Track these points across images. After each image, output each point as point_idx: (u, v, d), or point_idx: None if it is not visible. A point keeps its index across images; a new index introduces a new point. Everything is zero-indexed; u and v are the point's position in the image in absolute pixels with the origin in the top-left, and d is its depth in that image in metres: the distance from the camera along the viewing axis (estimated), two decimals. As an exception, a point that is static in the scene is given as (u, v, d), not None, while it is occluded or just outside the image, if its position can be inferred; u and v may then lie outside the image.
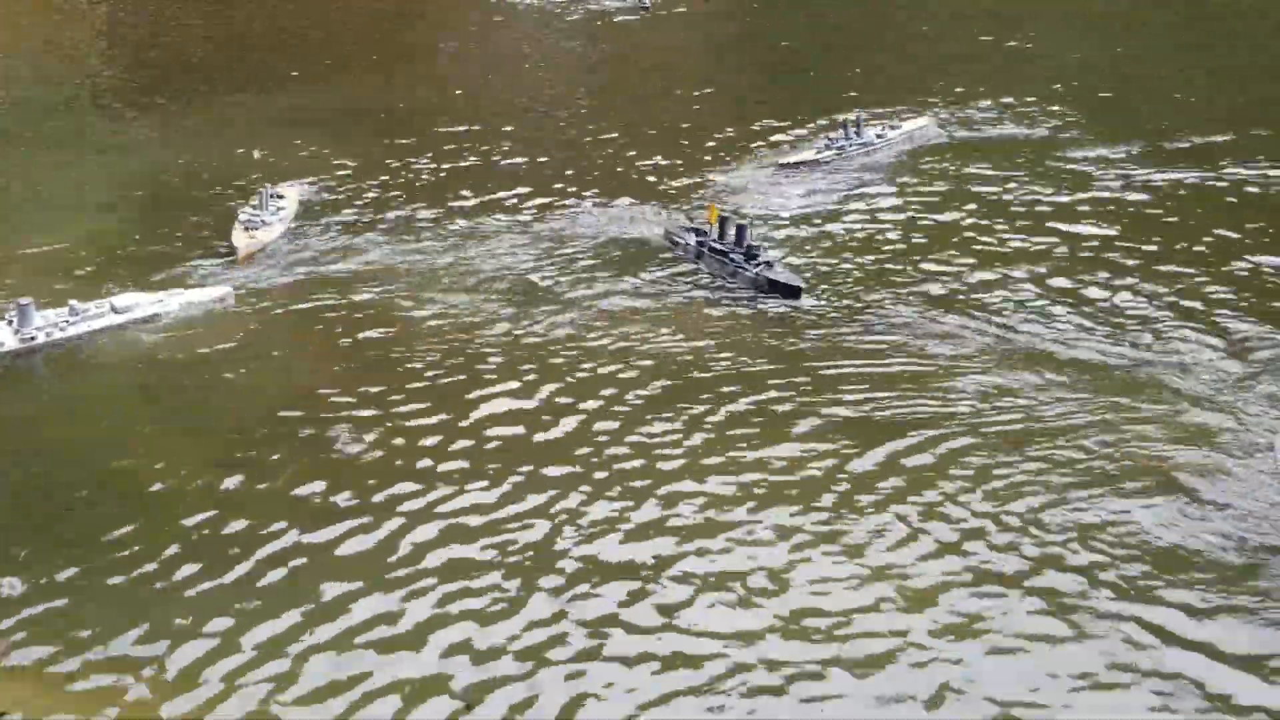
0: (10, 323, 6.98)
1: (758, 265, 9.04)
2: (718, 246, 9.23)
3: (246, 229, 8.44)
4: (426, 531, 5.91)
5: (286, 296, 7.85)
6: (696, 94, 12.89)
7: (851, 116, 12.72)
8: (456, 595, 5.68)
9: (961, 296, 10.27)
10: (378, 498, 6.22)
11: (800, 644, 5.99)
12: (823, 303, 8.95)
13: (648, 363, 8.28)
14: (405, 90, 12.88)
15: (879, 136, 12.27)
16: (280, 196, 9.11)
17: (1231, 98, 18.31)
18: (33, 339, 7.19)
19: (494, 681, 5.26)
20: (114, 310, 7.36)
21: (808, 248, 10.16)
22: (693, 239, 9.61)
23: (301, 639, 5.21)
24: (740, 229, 9.11)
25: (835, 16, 17.87)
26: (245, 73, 14.35)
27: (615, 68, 13.99)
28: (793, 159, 11.99)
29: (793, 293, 8.83)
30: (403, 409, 6.92)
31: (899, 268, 10.42)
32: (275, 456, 6.14)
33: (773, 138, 12.31)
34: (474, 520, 6.01)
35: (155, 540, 5.52)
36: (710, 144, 11.72)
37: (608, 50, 14.80)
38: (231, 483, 5.95)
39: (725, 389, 8.33)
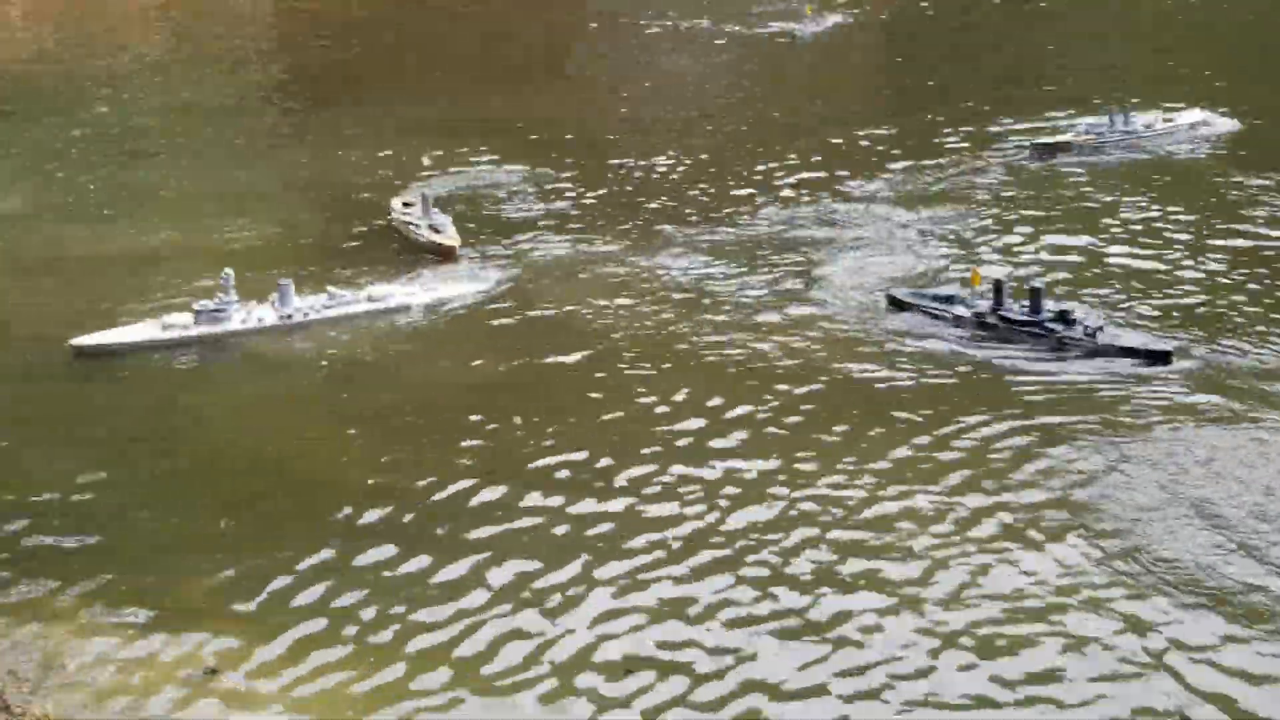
0: (273, 303, 7.57)
1: (1087, 331, 7.51)
2: (1015, 317, 7.64)
3: (434, 228, 8.69)
4: (609, 522, 6.04)
5: (510, 296, 8.09)
6: (904, 90, 12.29)
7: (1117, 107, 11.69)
8: (642, 572, 5.97)
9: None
10: (600, 481, 6.34)
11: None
12: (1197, 361, 7.45)
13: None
14: (564, 103, 12.97)
15: (1147, 127, 11.32)
16: (424, 200, 9.29)
17: None
18: (289, 317, 7.78)
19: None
20: (369, 299, 7.88)
21: (1108, 288, 8.52)
22: (960, 309, 7.87)
23: (499, 614, 5.43)
24: (1036, 291, 7.72)
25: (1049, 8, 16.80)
26: (402, 82, 14.65)
27: (799, 79, 13.45)
28: (1047, 140, 11.36)
29: (1161, 358, 7.36)
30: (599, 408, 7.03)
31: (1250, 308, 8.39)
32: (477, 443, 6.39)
33: (1020, 125, 11.51)
34: (656, 510, 6.14)
35: (345, 511, 5.87)
36: (943, 137, 11.44)
37: (786, 65, 14.27)
38: (468, 457, 6.29)
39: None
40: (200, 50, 16.63)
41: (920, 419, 6.79)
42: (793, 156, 10.96)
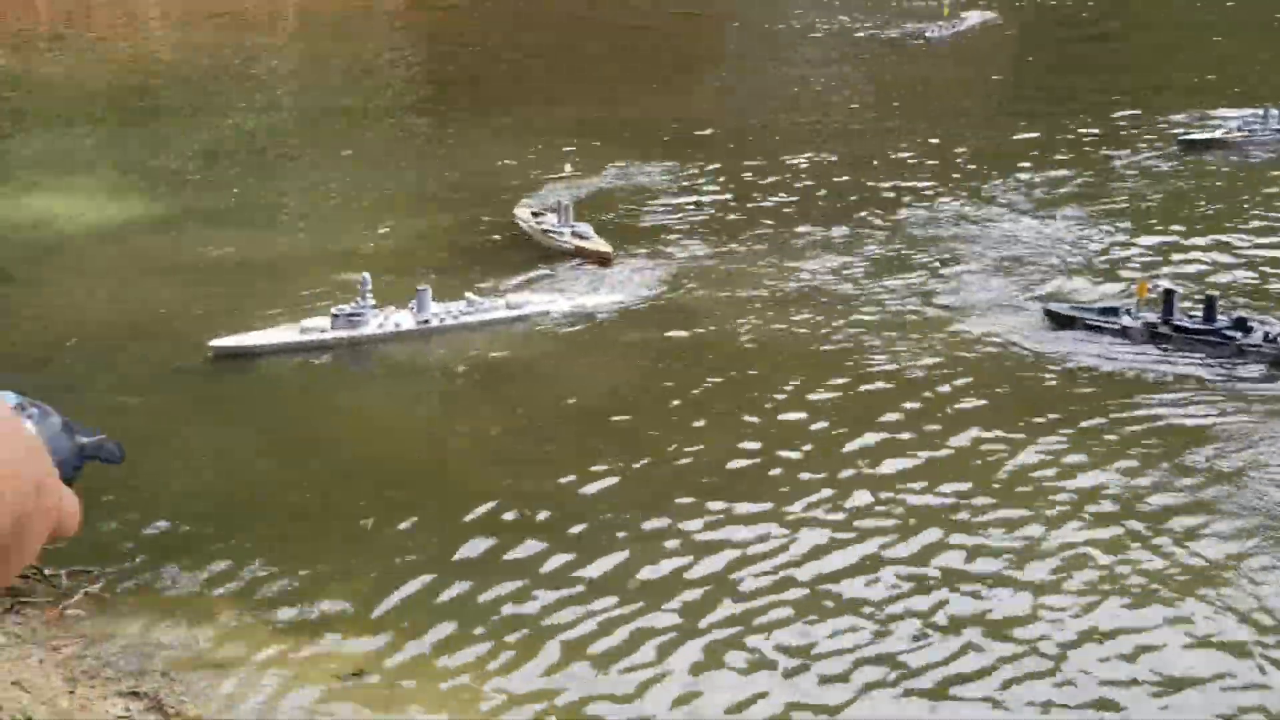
0: (411, 309, 7.65)
1: (1269, 338, 7.22)
2: (1191, 326, 7.35)
3: (578, 235, 8.56)
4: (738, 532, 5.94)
5: (648, 302, 8.06)
6: (1030, 94, 12.02)
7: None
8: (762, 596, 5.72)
9: None
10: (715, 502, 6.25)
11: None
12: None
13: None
14: (699, 106, 12.97)
15: None
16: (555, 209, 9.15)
17: None
18: (427, 323, 7.85)
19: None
20: (508, 306, 7.90)
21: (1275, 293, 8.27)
22: (1127, 320, 7.52)
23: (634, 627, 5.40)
24: (1210, 300, 7.49)
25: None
26: (533, 87, 14.74)
27: (934, 80, 13.30)
28: (1196, 136, 11.12)
29: None
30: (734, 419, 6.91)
31: None
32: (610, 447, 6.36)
33: (1174, 116, 11.13)
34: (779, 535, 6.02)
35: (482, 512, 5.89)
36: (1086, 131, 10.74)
37: (910, 68, 13.99)
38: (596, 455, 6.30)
39: None
40: (332, 58, 16.86)
41: (1099, 430, 6.60)
42: (931, 160, 10.83)
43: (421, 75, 15.56)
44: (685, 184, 10.06)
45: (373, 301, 7.84)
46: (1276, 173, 9.69)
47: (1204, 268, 8.20)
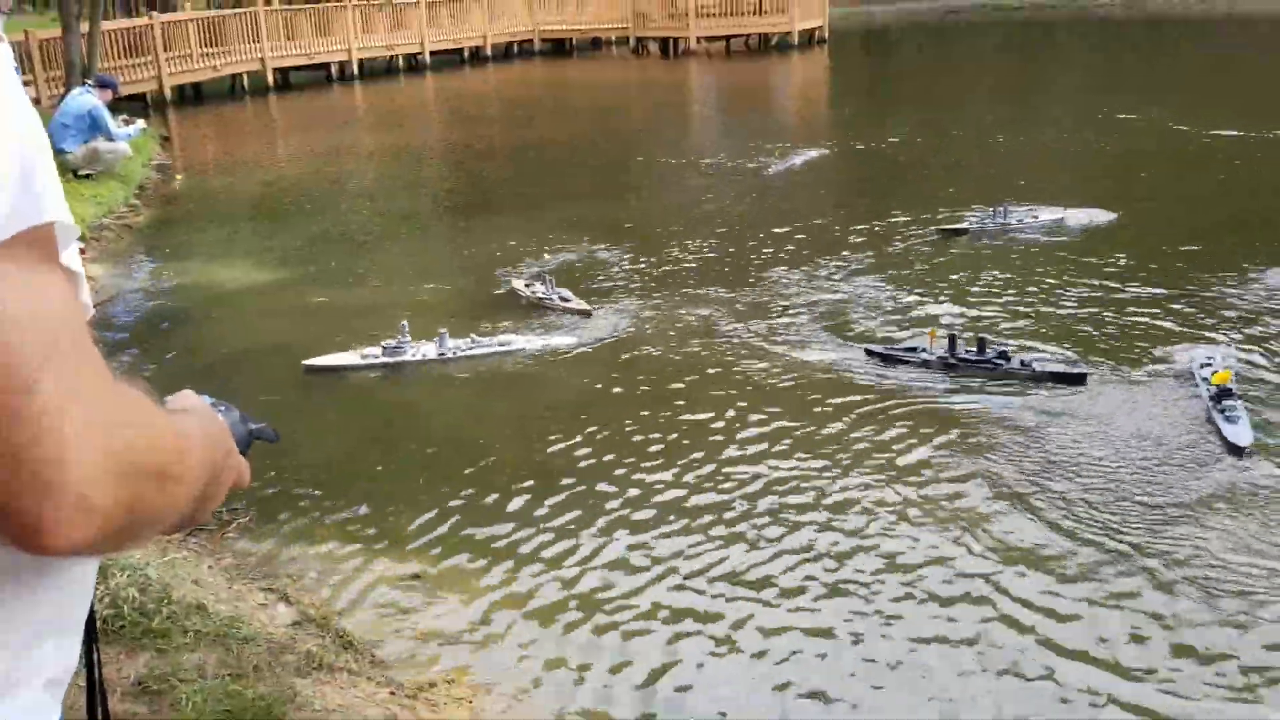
0: (436, 343, 7.64)
1: (1023, 364, 7.00)
2: (971, 358, 7.02)
3: (564, 299, 8.86)
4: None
5: (599, 341, 8.10)
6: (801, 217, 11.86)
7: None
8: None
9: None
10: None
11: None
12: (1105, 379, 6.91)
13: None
14: (629, 210, 13.09)
15: (1019, 221, 10.75)
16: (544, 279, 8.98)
17: None
18: (444, 354, 7.83)
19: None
20: (500, 344, 7.90)
21: (1018, 332, 7.90)
22: (925, 355, 7.19)
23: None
24: (981, 339, 7.15)
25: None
26: (540, 189, 14.91)
27: (780, 195, 13.08)
28: (949, 226, 10.88)
29: (1079, 379, 6.87)
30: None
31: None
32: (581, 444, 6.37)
33: (940, 213, 11.44)
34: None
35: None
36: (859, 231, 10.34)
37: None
38: (551, 453, 6.29)
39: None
40: (394, 176, 16.90)
41: (908, 421, 6.57)
42: (786, 245, 11.00)
43: (451, 186, 15.64)
44: (620, 261, 10.14)
45: (409, 338, 7.84)
46: (1000, 252, 9.88)
47: (961, 319, 8.30)
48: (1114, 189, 12.73)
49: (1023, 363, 7.13)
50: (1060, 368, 7.14)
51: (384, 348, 7.86)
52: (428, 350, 7.91)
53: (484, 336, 8.14)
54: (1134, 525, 5.28)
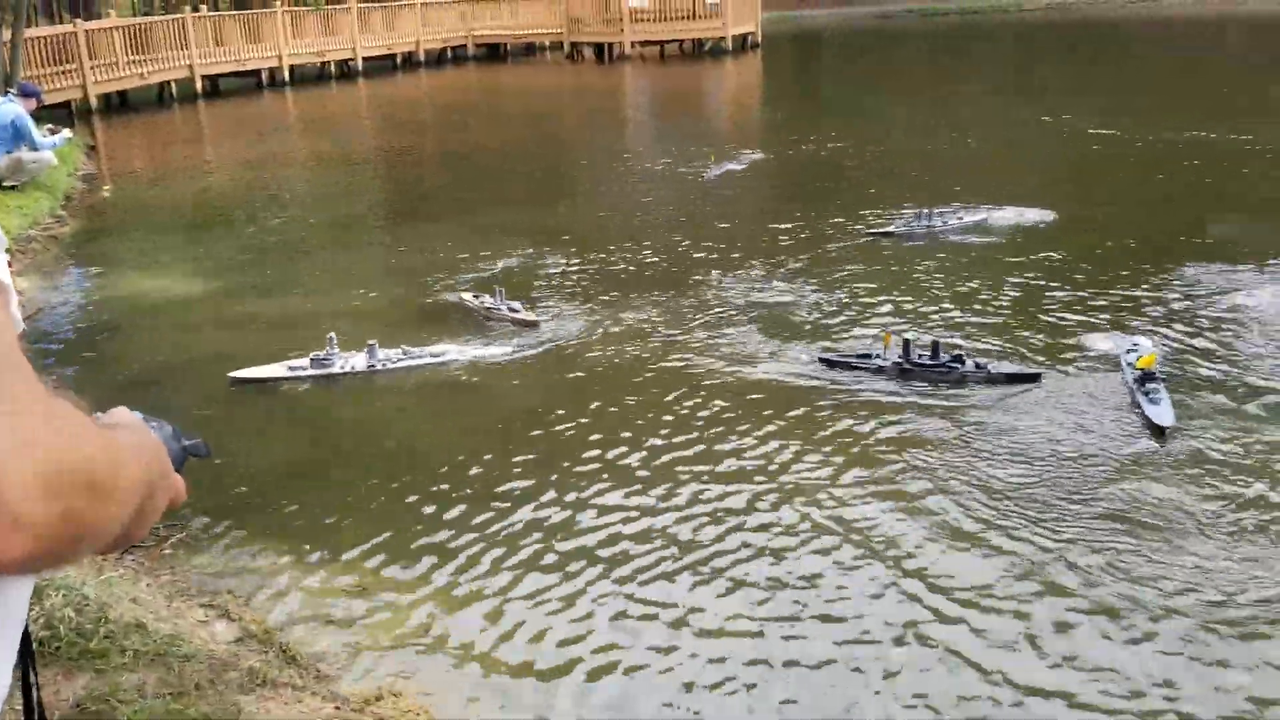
0: (366, 354, 7.50)
1: (978, 366, 6.97)
2: (927, 363, 6.96)
3: (513, 310, 8.66)
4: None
5: (530, 350, 8.02)
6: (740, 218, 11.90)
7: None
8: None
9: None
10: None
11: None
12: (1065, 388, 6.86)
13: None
14: (571, 216, 13.08)
15: (945, 223, 11.01)
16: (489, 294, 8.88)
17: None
18: (374, 365, 7.71)
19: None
20: (431, 355, 7.79)
21: (963, 334, 7.96)
22: (880, 361, 7.07)
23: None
24: (935, 343, 7.09)
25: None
26: (475, 196, 14.82)
27: (714, 200, 13.21)
28: (880, 229, 10.99)
29: (1033, 379, 6.88)
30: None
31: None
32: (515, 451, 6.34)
33: (872, 215, 11.57)
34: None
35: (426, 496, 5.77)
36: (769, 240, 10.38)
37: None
38: (484, 459, 6.26)
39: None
40: (330, 184, 16.75)
41: (864, 426, 6.46)
42: (722, 250, 11.08)
43: (385, 193, 15.54)
44: (562, 267, 10.16)
45: (338, 349, 7.75)
46: (927, 253, 10.04)
47: (896, 320, 8.40)
48: (1038, 189, 13.03)
49: (978, 365, 7.10)
50: (1014, 369, 7.14)
51: (312, 359, 7.73)
52: (357, 362, 7.78)
53: (416, 347, 8.01)
54: (1063, 515, 5.42)
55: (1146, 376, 6.63)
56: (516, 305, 8.88)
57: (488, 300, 9.03)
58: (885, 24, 52.82)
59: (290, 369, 7.74)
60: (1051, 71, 30.78)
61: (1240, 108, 19.45)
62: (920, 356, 7.15)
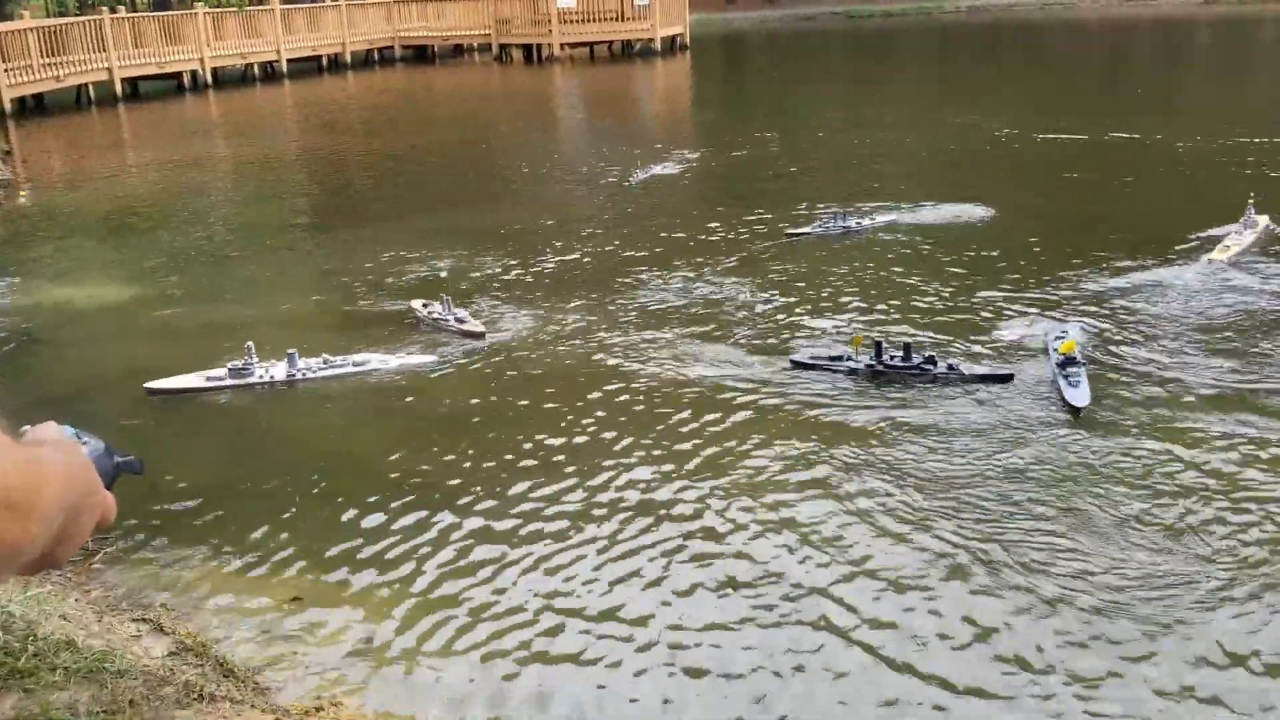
0: (286, 363, 7.33)
1: (951, 367, 6.95)
2: (898, 364, 6.93)
3: (460, 320, 8.47)
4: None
5: (457, 357, 7.86)
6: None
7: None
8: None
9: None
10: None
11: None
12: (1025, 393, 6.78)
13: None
14: (502, 218, 12.97)
15: (858, 224, 11.08)
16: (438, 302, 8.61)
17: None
18: (294, 374, 7.55)
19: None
20: (354, 364, 7.64)
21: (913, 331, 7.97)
22: (853, 363, 7.00)
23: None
24: (907, 345, 7.10)
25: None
26: (404, 199, 14.72)
27: (644, 202, 13.22)
28: (795, 231, 11.06)
29: (1006, 379, 6.88)
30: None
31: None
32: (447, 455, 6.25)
33: (795, 214, 11.73)
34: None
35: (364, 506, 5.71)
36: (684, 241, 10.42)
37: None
38: (420, 470, 6.17)
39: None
40: (258, 187, 16.49)
41: (842, 428, 6.38)
42: (651, 253, 11.12)
43: (317, 199, 15.35)
44: (490, 271, 10.09)
45: (256, 359, 7.61)
46: (846, 252, 10.12)
47: (828, 319, 8.41)
48: (955, 187, 13.29)
49: (950, 366, 7.09)
50: (986, 369, 7.16)
51: (230, 369, 7.59)
52: (277, 371, 7.64)
53: (338, 355, 7.83)
54: (986, 504, 5.54)
55: (1068, 361, 6.87)
56: (464, 314, 8.68)
57: (436, 309, 8.76)
58: (810, 26, 53.43)
59: (208, 379, 7.59)
60: (970, 71, 31.41)
61: (1150, 106, 20.04)
62: (893, 358, 7.11)
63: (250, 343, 7.61)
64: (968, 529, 5.28)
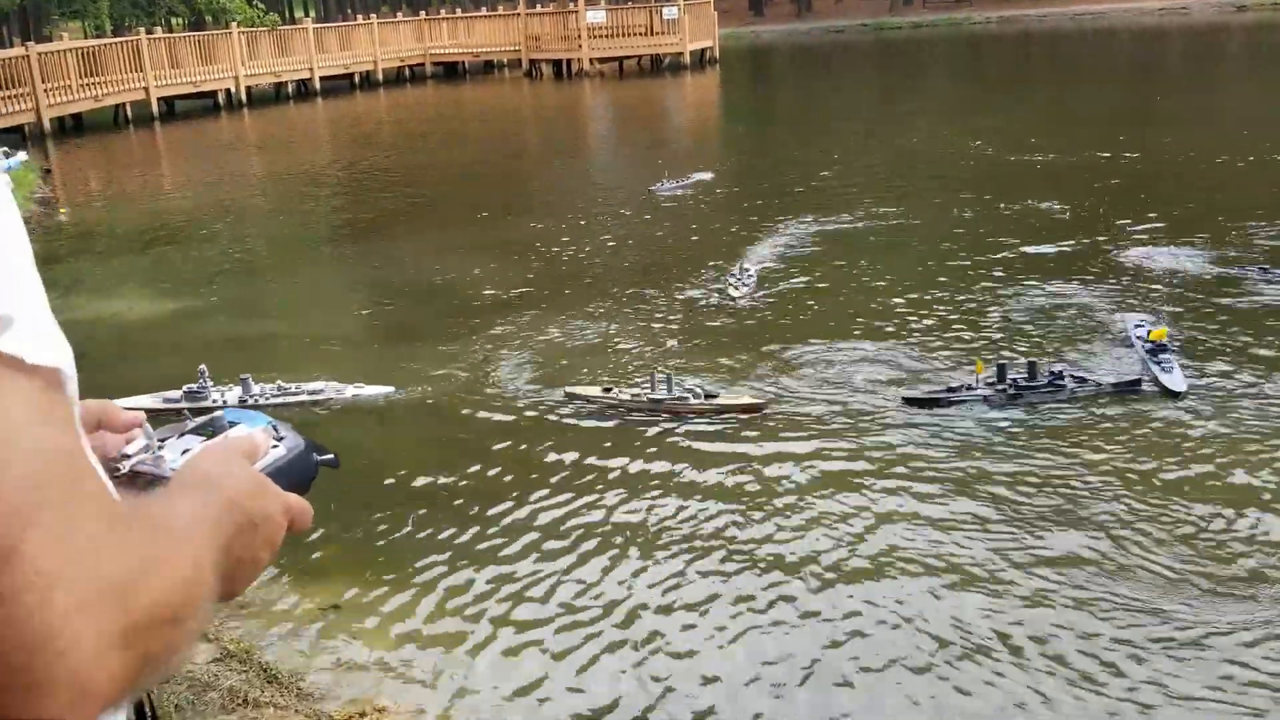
0: (240, 388, 7.19)
1: (1081, 379, 6.63)
2: (1034, 385, 6.42)
3: (710, 396, 6.79)
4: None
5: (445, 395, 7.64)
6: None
7: None
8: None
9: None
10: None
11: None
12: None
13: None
14: (530, 234, 12.83)
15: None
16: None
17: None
18: (245, 400, 7.26)
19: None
20: (309, 393, 7.47)
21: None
22: (982, 390, 6.41)
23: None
24: (1031, 363, 6.65)
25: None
26: (441, 213, 14.78)
27: (668, 215, 13.23)
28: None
29: (1136, 385, 6.62)
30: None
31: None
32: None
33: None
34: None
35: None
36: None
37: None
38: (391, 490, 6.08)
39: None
40: (290, 208, 16.65)
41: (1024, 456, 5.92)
42: (678, 263, 11.05)
43: (345, 217, 15.46)
44: (518, 286, 9.97)
45: (211, 383, 7.51)
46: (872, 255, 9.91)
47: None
48: (977, 195, 13.17)
49: (1083, 380, 6.75)
50: (1115, 378, 6.84)
51: (185, 391, 7.45)
52: (230, 396, 7.47)
53: (292, 383, 7.64)
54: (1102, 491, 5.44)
55: (1159, 348, 6.98)
56: (714, 389, 6.91)
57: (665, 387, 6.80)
58: (838, 39, 53.39)
59: (165, 400, 7.41)
60: (1002, 82, 31.23)
61: (1184, 116, 19.82)
62: (1018, 377, 6.61)
63: (203, 366, 7.47)
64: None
